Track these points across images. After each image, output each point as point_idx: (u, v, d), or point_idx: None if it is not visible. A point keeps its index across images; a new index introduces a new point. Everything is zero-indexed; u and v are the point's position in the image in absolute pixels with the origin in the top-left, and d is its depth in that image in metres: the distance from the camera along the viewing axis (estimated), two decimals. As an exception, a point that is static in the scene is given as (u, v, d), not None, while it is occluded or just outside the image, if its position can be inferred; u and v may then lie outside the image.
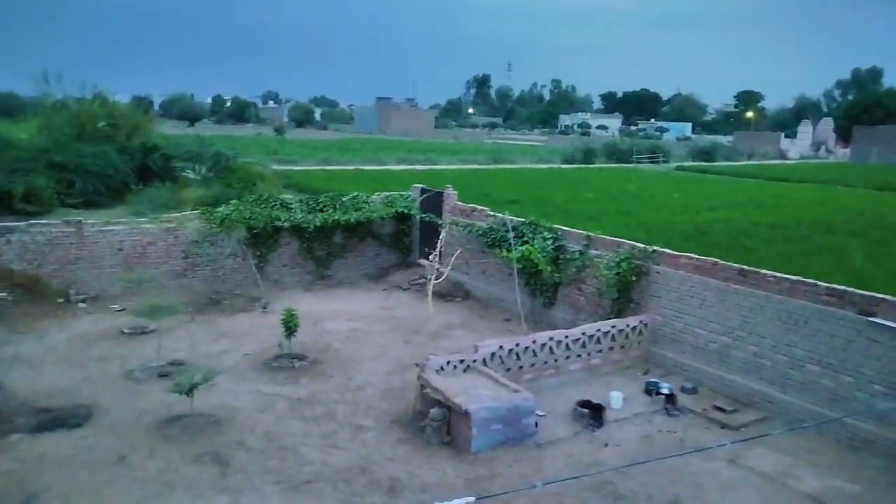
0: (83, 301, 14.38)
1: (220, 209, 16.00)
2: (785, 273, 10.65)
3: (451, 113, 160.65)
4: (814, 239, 20.15)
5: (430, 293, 11.08)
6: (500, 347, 10.61)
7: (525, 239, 14.28)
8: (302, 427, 9.42)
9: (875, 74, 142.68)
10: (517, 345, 10.77)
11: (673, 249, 12.62)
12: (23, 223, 14.53)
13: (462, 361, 10.18)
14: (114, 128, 28.96)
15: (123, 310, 13.81)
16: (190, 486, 7.80)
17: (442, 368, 9.91)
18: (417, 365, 10.13)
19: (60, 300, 14.20)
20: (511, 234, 14.39)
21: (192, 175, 25.49)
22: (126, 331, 12.86)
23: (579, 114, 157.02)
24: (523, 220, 15.08)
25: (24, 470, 7.95)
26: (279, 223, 16.42)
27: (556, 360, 11.18)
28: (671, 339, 11.77)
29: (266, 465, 8.33)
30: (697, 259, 11.68)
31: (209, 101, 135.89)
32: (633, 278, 12.26)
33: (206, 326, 13.62)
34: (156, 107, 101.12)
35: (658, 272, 12.02)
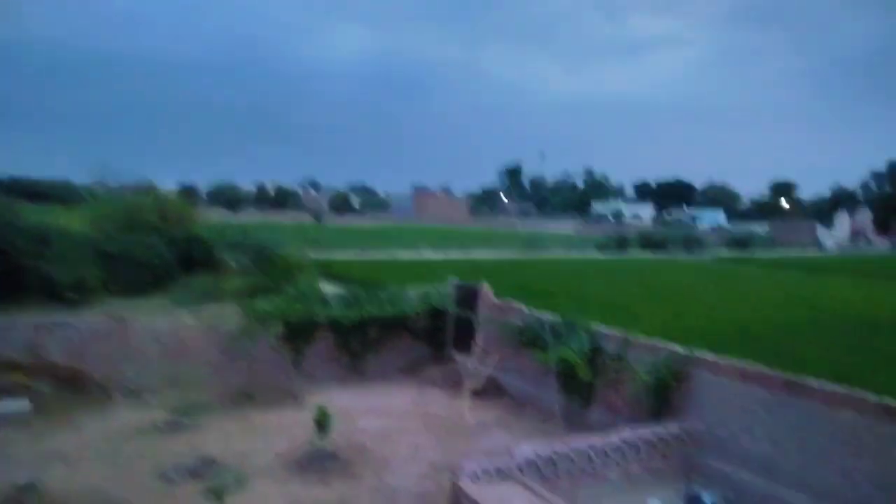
0: (122, 394, 14.56)
1: (259, 304, 16.29)
2: (837, 382, 10.20)
3: (487, 201, 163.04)
4: (872, 343, 18.90)
5: (466, 392, 10.99)
6: (537, 455, 10.36)
7: (562, 338, 14.17)
8: (333, 535, 9.22)
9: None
10: (554, 452, 10.50)
11: (715, 352, 12.32)
12: (66, 318, 14.94)
13: (498, 469, 9.94)
14: (162, 220, 30.06)
15: (159, 404, 13.92)
16: None
17: (477, 476, 9.68)
18: (451, 472, 9.93)
19: (100, 394, 14.41)
20: (548, 334, 14.31)
21: (233, 265, 26.13)
22: (161, 425, 12.93)
23: (612, 201, 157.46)
24: (560, 319, 15.01)
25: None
26: (317, 318, 16.64)
27: (593, 468, 10.84)
28: (714, 448, 11.35)
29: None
30: (742, 367, 11.31)
31: (253, 188, 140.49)
32: (674, 383, 11.99)
33: (239, 422, 13.61)
34: (202, 194, 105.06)
35: (700, 378, 11.75)
